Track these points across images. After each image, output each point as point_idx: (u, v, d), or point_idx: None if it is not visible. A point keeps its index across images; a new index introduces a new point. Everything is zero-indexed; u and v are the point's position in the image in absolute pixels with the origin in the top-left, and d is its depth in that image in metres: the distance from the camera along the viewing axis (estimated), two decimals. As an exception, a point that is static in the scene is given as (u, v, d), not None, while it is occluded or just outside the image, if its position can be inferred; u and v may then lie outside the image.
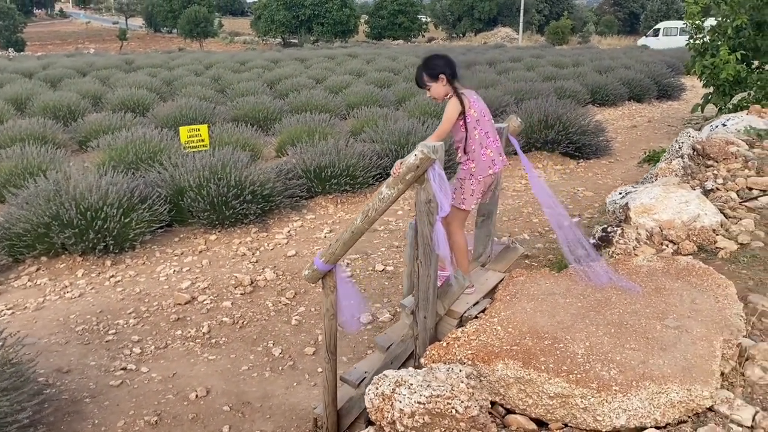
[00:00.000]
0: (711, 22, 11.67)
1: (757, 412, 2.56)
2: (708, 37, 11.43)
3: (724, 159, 5.90)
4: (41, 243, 6.31)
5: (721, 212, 4.70)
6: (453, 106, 3.26)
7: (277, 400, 4.18)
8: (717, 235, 4.36)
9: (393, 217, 7.70)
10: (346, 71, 21.48)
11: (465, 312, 3.21)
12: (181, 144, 8.53)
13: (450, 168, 6.76)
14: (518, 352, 2.75)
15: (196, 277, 6.08)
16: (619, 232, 4.36)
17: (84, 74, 21.80)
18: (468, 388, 2.55)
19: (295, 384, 4.37)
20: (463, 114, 3.28)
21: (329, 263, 3.25)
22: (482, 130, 3.33)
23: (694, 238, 4.32)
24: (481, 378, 2.73)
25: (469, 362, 2.79)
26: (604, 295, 3.17)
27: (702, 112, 11.74)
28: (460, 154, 3.40)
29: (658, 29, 42.79)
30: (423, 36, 62.30)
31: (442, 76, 3.35)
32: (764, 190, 5.45)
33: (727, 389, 2.77)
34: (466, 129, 3.30)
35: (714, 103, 11.27)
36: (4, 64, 25.02)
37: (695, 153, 6.02)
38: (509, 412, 2.74)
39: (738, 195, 5.37)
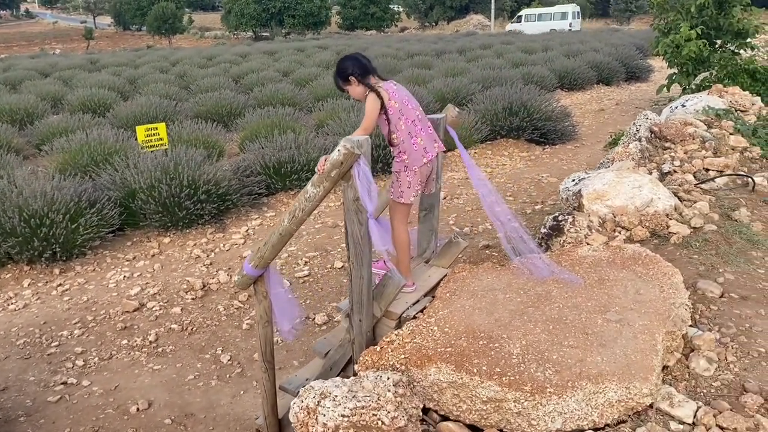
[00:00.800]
0: None
1: (699, 408, 2.44)
2: (672, 17, 11.38)
3: (681, 141, 5.81)
4: (-16, 254, 6.07)
5: (675, 196, 4.60)
6: (371, 101, 3.11)
7: (221, 410, 4.01)
8: (670, 219, 4.26)
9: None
10: (315, 63, 21.22)
11: (403, 312, 3.06)
12: (139, 144, 8.28)
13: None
14: (452, 354, 2.61)
15: (147, 283, 5.88)
16: (570, 220, 4.24)
17: (46, 75, 21.28)
18: (396, 397, 2.40)
19: (242, 392, 4.20)
20: (384, 107, 3.12)
21: (259, 268, 3.08)
22: (407, 119, 3.17)
23: (647, 224, 4.22)
24: (414, 384, 2.59)
25: (403, 367, 2.64)
26: (545, 288, 3.04)
27: (668, 92, 11.70)
28: (391, 148, 3.25)
29: (521, 16, 46.56)
30: (396, 26, 61.91)
31: (352, 77, 3.20)
32: (721, 171, 5.36)
33: (671, 384, 2.65)
34: (390, 121, 3.14)
35: (678, 83, 11.23)
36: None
37: (653, 135, 5.92)
38: (444, 418, 2.60)
39: (695, 177, 5.28)
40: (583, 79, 16.64)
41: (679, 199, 4.59)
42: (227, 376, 4.40)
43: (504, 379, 2.44)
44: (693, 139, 5.84)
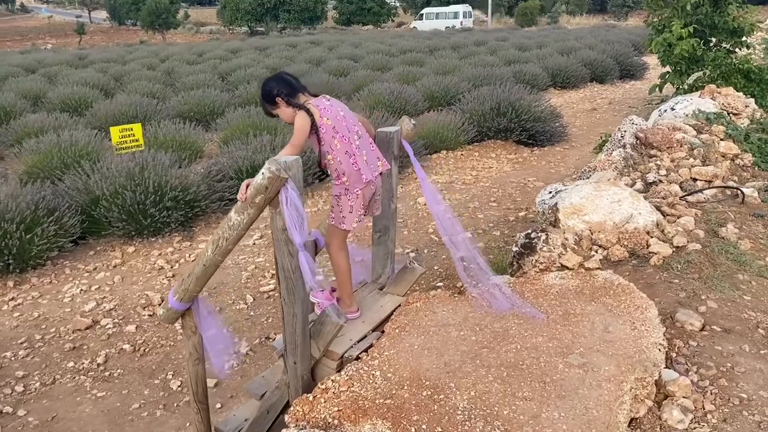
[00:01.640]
0: None
1: (668, 473, 2.14)
2: (666, 14, 11.04)
3: (668, 148, 5.49)
4: (-66, 265, 5.75)
5: (658, 210, 4.28)
6: (300, 119, 2.78)
7: (163, 446, 3.71)
8: (651, 237, 3.94)
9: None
10: (306, 59, 20.83)
11: (345, 352, 2.74)
12: (113, 146, 7.94)
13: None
14: (390, 407, 2.30)
15: (104, 297, 5.56)
16: (543, 238, 3.92)
17: (33, 72, 20.88)
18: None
19: (188, 424, 3.88)
20: (314, 125, 2.79)
21: (185, 301, 2.77)
22: (343, 137, 2.85)
23: (626, 242, 3.90)
24: (346, 441, 2.28)
25: (336, 421, 2.33)
26: (503, 325, 2.72)
27: (660, 92, 11.37)
28: (329, 171, 2.92)
29: (422, 14, 52.13)
30: (393, 21, 61.40)
31: (278, 99, 2.87)
32: (709, 181, 5.04)
33: (639, 440, 2.35)
34: (323, 141, 2.82)
35: (671, 82, 10.89)
36: (-53, 64, 23.95)
37: (638, 142, 5.60)
38: (380, 480, 2.29)
39: (681, 187, 4.96)
40: (576, 77, 16.28)
41: (663, 213, 4.27)
42: (174, 405, 4.08)
43: (445, 440, 2.13)
44: (681, 146, 5.52)
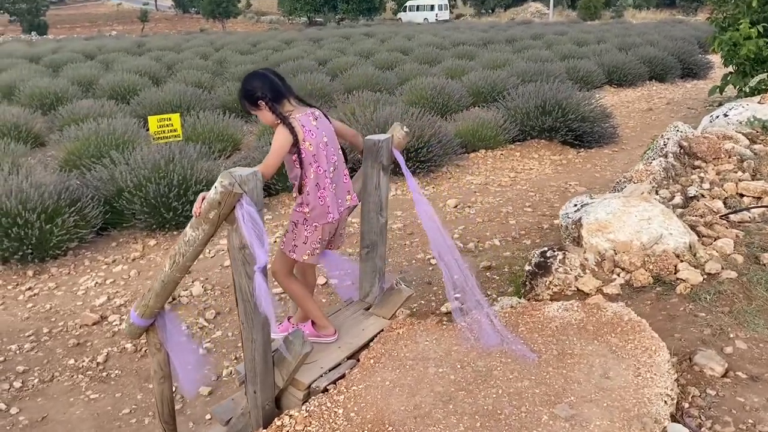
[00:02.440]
0: None
1: None
2: (731, 11, 10.30)
3: (714, 159, 5.02)
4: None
5: (693, 230, 3.87)
6: (282, 136, 2.52)
7: (144, 457, 3.57)
8: (681, 261, 3.55)
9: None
10: (356, 52, 20.64)
11: (313, 382, 2.50)
12: (151, 135, 7.92)
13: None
14: (344, 455, 2.05)
15: (116, 292, 5.49)
16: (560, 257, 3.58)
17: (92, 58, 21.42)
18: None
19: (173, 436, 3.73)
20: (297, 145, 2.54)
21: (146, 317, 2.59)
22: (319, 167, 2.58)
23: (651, 266, 3.52)
24: (292, 490, 2.05)
25: (285, 464, 2.10)
26: (487, 363, 2.43)
27: (721, 93, 10.64)
28: (295, 194, 2.67)
29: (406, 6, 55.73)
30: (451, 12, 60.62)
31: (260, 102, 2.61)
32: (758, 198, 4.56)
33: None
34: (302, 165, 2.57)
35: (733, 84, 10.17)
36: (12, 49, 24.89)
37: (681, 151, 5.15)
38: None
39: (725, 204, 4.51)
40: (634, 74, 15.52)
41: (698, 234, 3.86)
42: (165, 412, 3.94)
43: (394, 502, 1.87)
44: (729, 158, 5.04)
